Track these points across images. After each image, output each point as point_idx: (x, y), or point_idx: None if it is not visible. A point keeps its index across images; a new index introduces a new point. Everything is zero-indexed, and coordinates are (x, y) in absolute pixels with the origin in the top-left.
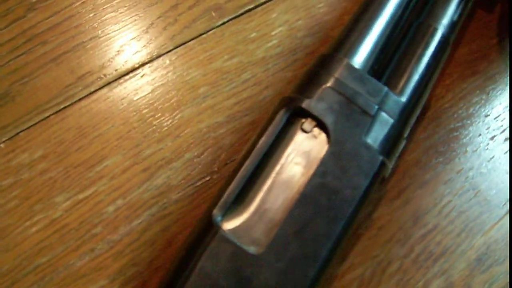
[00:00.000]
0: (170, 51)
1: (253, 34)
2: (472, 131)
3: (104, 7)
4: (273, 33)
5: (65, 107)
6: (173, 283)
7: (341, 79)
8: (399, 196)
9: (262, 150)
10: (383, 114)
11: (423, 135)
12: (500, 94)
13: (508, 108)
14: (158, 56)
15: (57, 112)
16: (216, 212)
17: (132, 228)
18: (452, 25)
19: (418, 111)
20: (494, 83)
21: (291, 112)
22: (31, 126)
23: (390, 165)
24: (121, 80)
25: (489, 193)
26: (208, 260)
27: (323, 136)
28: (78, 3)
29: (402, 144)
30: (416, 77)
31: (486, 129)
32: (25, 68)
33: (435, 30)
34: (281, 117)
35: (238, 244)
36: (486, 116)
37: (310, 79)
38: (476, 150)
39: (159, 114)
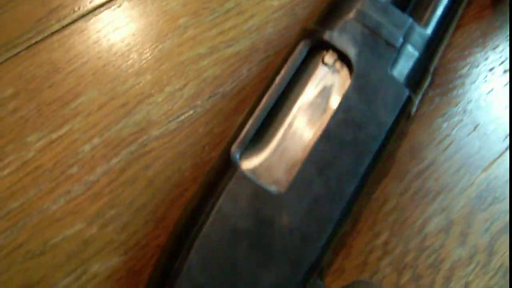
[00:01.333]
0: None
1: None
2: (470, 62)
3: None
4: None
5: (36, 42)
6: (191, 224)
7: (364, 10)
8: None
9: (281, 84)
10: (409, 47)
11: None
12: (498, 24)
13: (508, 37)
14: None
15: (28, 47)
16: (235, 149)
17: (110, 168)
18: None
19: (444, 45)
20: (492, 13)
21: (312, 45)
22: (0, 63)
23: (416, 100)
24: (96, 12)
25: (489, 128)
26: (227, 200)
27: (345, 69)
28: None
29: (428, 79)
30: (441, 9)
31: (485, 60)
32: None
33: None
34: (301, 49)
35: (258, 183)
36: (485, 46)
37: (332, 11)
38: (475, 82)
39: (138, 47)
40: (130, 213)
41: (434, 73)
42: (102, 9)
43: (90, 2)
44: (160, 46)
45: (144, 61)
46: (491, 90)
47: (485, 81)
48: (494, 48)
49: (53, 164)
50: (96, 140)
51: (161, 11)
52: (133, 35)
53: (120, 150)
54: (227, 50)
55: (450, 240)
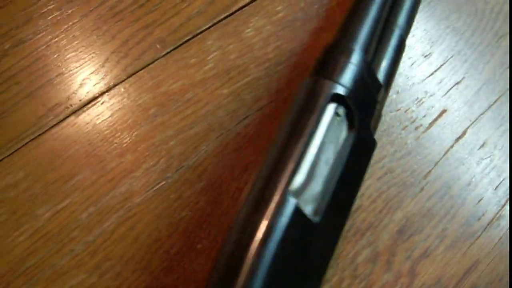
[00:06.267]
0: (124, 80)
1: (192, 60)
2: (386, 123)
3: (66, 48)
4: (209, 57)
5: (39, 135)
6: (248, 242)
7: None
8: None
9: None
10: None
11: None
12: (406, 86)
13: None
14: (114, 86)
15: (33, 139)
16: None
17: (104, 230)
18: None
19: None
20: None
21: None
22: (12, 152)
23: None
24: (85, 108)
25: (405, 175)
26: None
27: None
28: (43, 47)
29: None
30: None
31: (398, 122)
32: (3, 105)
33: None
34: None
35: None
36: (397, 110)
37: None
38: (391, 139)
39: (119, 134)
40: (122, 264)
41: None
42: (89, 105)
43: (80, 100)
44: (136, 132)
45: (124, 145)
46: (405, 144)
47: (400, 137)
48: (406, 111)
49: (59, 230)
50: (91, 209)
51: (135, 104)
52: (115, 124)
53: (111, 216)
54: (190, 131)
55: (378, 268)
